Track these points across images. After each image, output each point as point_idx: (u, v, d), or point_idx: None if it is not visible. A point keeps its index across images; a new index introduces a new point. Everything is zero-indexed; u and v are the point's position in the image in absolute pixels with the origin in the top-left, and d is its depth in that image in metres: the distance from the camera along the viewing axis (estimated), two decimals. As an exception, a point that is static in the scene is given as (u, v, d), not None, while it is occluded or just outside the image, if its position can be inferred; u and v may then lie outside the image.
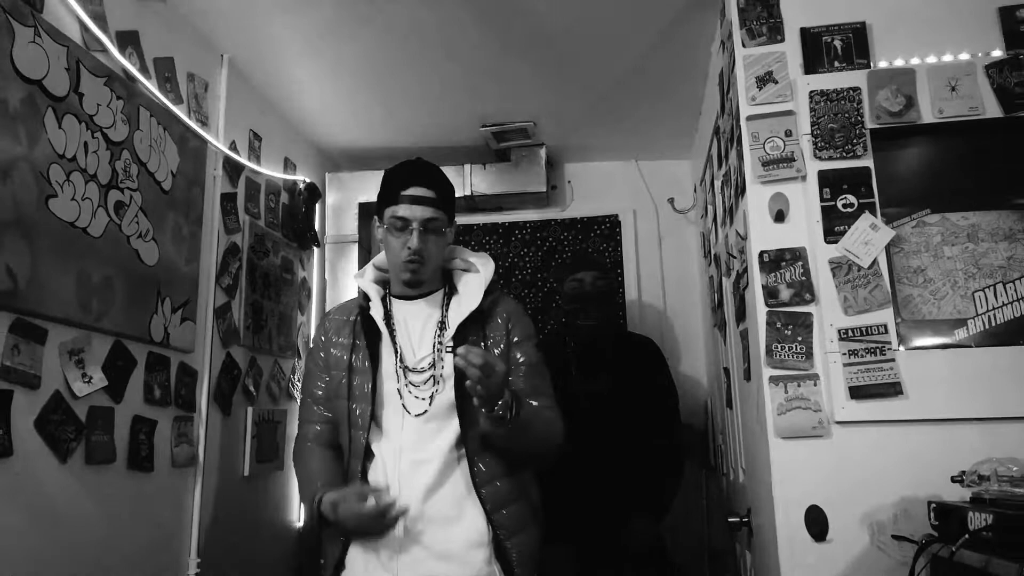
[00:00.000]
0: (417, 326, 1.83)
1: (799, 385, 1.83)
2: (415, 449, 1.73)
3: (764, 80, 1.99)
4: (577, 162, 3.60)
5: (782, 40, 1.99)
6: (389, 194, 1.79)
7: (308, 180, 3.17)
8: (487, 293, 1.83)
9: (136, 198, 2.08)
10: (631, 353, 2.73)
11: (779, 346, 1.86)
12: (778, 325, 1.87)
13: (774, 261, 1.90)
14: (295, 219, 3.09)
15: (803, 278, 1.87)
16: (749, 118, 1.98)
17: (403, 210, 1.76)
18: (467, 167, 3.37)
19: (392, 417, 1.77)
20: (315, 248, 3.25)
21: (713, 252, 2.84)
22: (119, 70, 2.06)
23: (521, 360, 1.81)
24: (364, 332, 1.84)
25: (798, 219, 1.90)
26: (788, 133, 1.94)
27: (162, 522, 2.19)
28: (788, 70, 1.97)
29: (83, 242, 1.86)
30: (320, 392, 1.88)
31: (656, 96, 2.95)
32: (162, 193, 2.21)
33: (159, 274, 2.17)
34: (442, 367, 1.76)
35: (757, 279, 1.90)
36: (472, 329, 1.79)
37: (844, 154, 1.90)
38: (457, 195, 3.33)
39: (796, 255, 1.89)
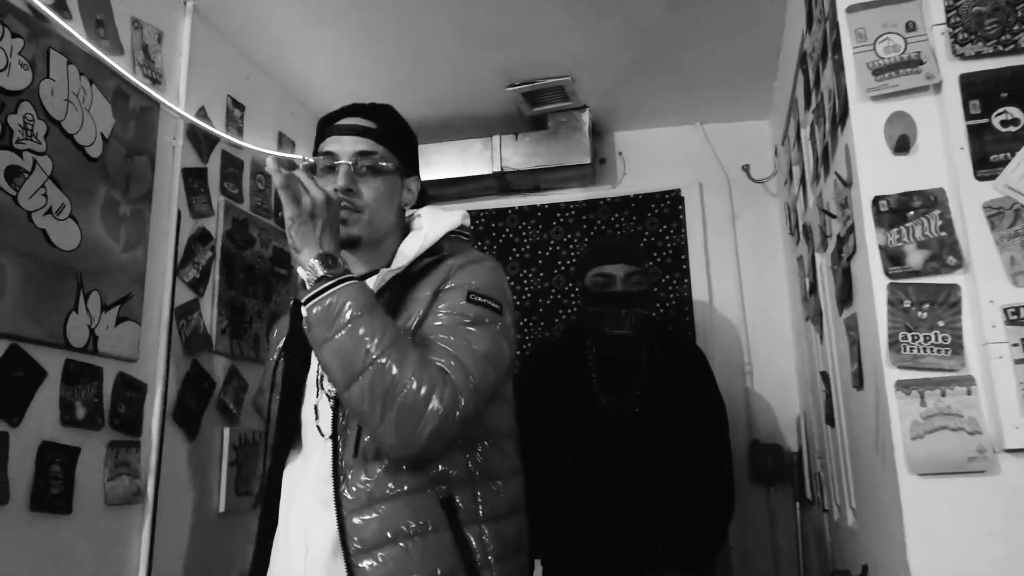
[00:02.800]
0: None
1: (944, 394, 1.21)
2: (326, 482, 1.22)
3: (871, -46, 1.39)
4: (629, 129, 3.01)
5: None
6: (319, 133, 1.38)
7: (309, 159, 2.69)
8: (433, 251, 1.33)
9: (43, 164, 1.63)
10: (669, 363, 2.12)
11: (909, 336, 1.25)
12: (907, 304, 1.26)
13: (897, 211, 1.29)
14: (292, 204, 2.62)
15: (943, 233, 1.26)
16: (851, 9, 1.38)
17: (331, 143, 1.33)
18: (495, 139, 2.84)
19: (312, 445, 1.29)
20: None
21: (801, 224, 2.21)
22: (21, 3, 1.62)
23: (432, 313, 1.23)
24: (293, 333, 1.37)
25: (931, 147, 1.30)
26: (911, 26, 1.34)
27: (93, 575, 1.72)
28: (907, -65, 1.36)
29: (-52, 215, 1.42)
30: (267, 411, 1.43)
31: (723, 35, 2.35)
32: (87, 160, 1.76)
33: (81, 262, 1.72)
34: None
35: (871, 238, 1.30)
36: (394, 298, 1.27)
37: (1000, 48, 1.28)
38: (485, 173, 2.86)
39: (931, 200, 1.28)
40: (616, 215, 2.93)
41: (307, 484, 1.27)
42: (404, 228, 1.41)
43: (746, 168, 2.83)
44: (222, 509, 2.16)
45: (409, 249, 1.31)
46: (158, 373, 1.96)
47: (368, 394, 1.11)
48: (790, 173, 2.40)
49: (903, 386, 1.22)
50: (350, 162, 1.29)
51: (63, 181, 1.68)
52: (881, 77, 1.33)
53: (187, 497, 2.05)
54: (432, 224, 1.35)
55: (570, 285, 2.91)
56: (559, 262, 2.94)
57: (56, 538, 1.62)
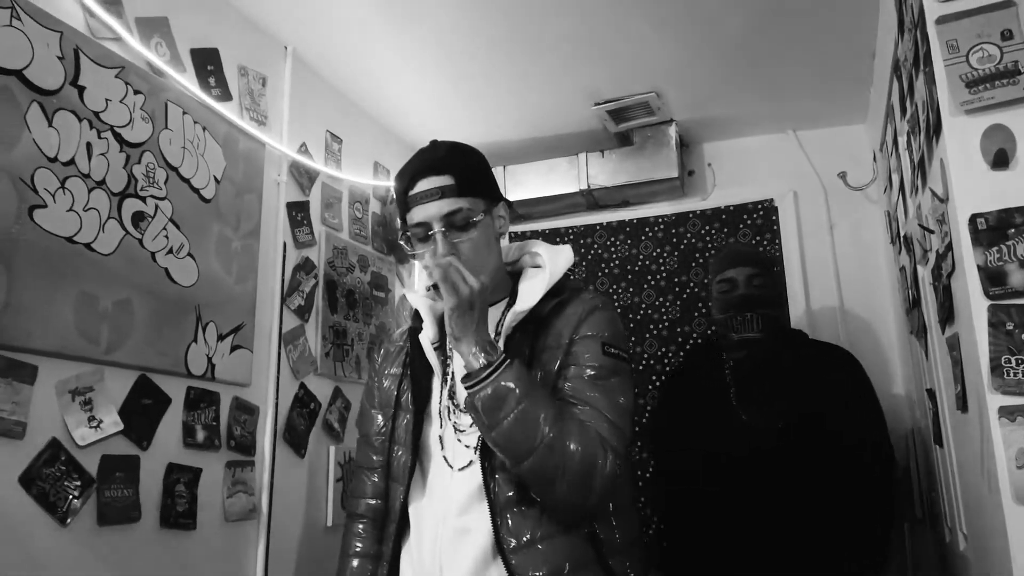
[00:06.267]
0: None
1: (1053, 420, 1.16)
2: (460, 513, 1.27)
3: (962, -39, 1.34)
4: (718, 140, 2.97)
5: (988, -101, 1.33)
6: (401, 201, 1.39)
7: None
8: (554, 294, 1.35)
9: (164, 208, 1.79)
10: (818, 372, 2.01)
11: (1013, 360, 1.20)
12: (1009, 327, 1.21)
13: (996, 228, 1.24)
14: (388, 229, 2.74)
15: (1049, 251, 1.20)
16: (941, 20, 1.34)
17: (417, 213, 1.34)
18: (581, 157, 2.86)
19: (438, 474, 1.37)
20: (414, 261, 2.89)
21: (903, 233, 2.13)
22: (141, 62, 1.78)
23: (571, 362, 1.31)
24: (413, 361, 1.47)
25: (1033, 161, 1.24)
26: (1007, 35, 1.29)
27: (216, 586, 1.86)
28: (1001, -59, 1.31)
29: (85, 260, 1.57)
30: (374, 433, 1.54)
31: (812, 40, 2.30)
32: (202, 202, 1.91)
33: (199, 296, 1.86)
34: None
35: (969, 258, 1.25)
36: (524, 340, 1.33)
37: (1108, 53, 1.21)
38: (572, 191, 2.89)
39: (1034, 216, 1.22)
40: (707, 228, 2.90)
41: (436, 512, 1.33)
42: (501, 256, 1.47)
43: (843, 175, 2.74)
44: (330, 523, 2.27)
45: (534, 287, 1.36)
46: (268, 396, 2.09)
47: (540, 470, 1.20)
48: (889, 180, 2.32)
49: (1007, 412, 1.17)
50: (442, 228, 1.31)
51: (181, 222, 1.83)
52: (976, 90, 1.29)
53: (297, 513, 2.18)
54: (553, 262, 1.40)
55: (661, 299, 2.90)
56: (649, 277, 2.94)
57: (183, 553, 1.76)
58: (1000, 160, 1.26)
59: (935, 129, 1.40)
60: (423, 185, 1.33)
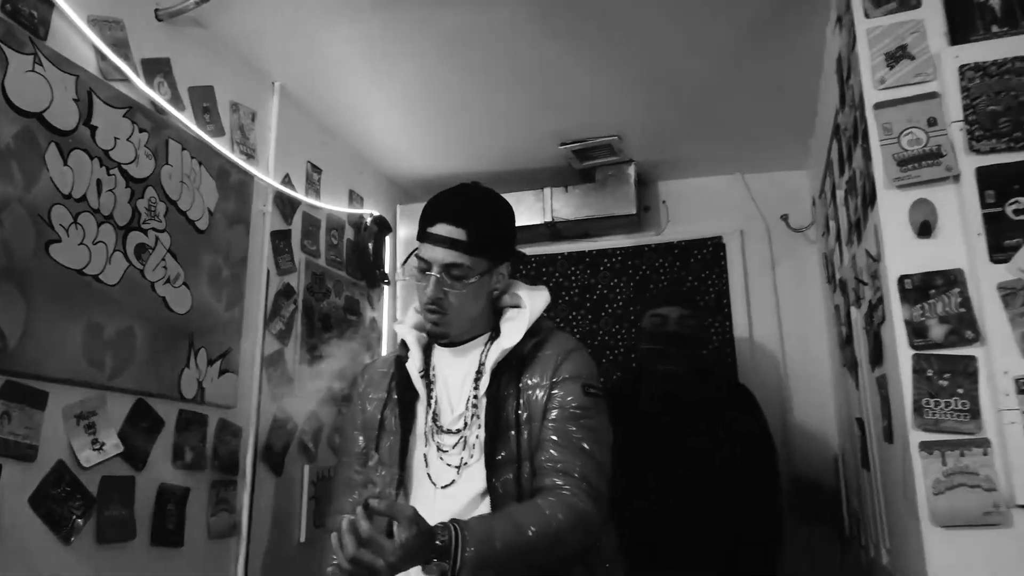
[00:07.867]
0: (458, 378, 1.53)
1: (962, 455, 1.37)
2: None
3: (896, 56, 1.56)
4: (672, 179, 3.19)
5: (918, 5, 1.56)
6: (420, 230, 1.52)
7: (376, 213, 2.94)
8: (532, 333, 1.50)
9: (163, 240, 1.88)
10: (719, 407, 2.29)
11: (932, 402, 1.40)
12: (929, 373, 1.42)
13: (920, 288, 1.45)
14: (361, 255, 2.85)
15: (961, 310, 1.41)
16: (878, 106, 1.55)
17: (425, 250, 1.48)
18: (547, 191, 3.04)
19: (422, 490, 1.48)
20: (385, 286, 3.00)
21: (838, 277, 2.37)
22: (146, 101, 1.88)
23: (556, 404, 1.44)
24: (399, 387, 1.58)
25: (951, 232, 1.45)
26: (932, 122, 1.50)
27: (199, 601, 1.95)
28: (928, 41, 1.54)
29: (93, 291, 1.66)
30: (356, 453, 1.64)
31: (761, 96, 2.53)
32: (196, 233, 2.00)
33: (192, 323, 1.95)
34: (478, 426, 1.44)
35: (897, 312, 1.46)
36: (510, 377, 1.47)
37: (1012, 144, 1.44)
38: (537, 222, 3.07)
39: (951, 279, 1.43)
40: (660, 260, 3.10)
41: None
42: (488, 303, 1.60)
43: (785, 218, 2.99)
44: (303, 539, 2.37)
45: (516, 327, 1.50)
46: (251, 418, 2.18)
47: (547, 557, 1.31)
48: (827, 225, 2.55)
49: (926, 447, 1.38)
50: (439, 275, 1.44)
51: (178, 253, 1.93)
52: (905, 168, 1.50)
53: (273, 529, 2.27)
54: (533, 303, 1.53)
55: (617, 327, 3.09)
56: (606, 305, 3.12)
57: (171, 569, 1.85)
58: (924, 230, 1.47)
59: (871, 198, 1.61)
60: (439, 229, 1.44)
